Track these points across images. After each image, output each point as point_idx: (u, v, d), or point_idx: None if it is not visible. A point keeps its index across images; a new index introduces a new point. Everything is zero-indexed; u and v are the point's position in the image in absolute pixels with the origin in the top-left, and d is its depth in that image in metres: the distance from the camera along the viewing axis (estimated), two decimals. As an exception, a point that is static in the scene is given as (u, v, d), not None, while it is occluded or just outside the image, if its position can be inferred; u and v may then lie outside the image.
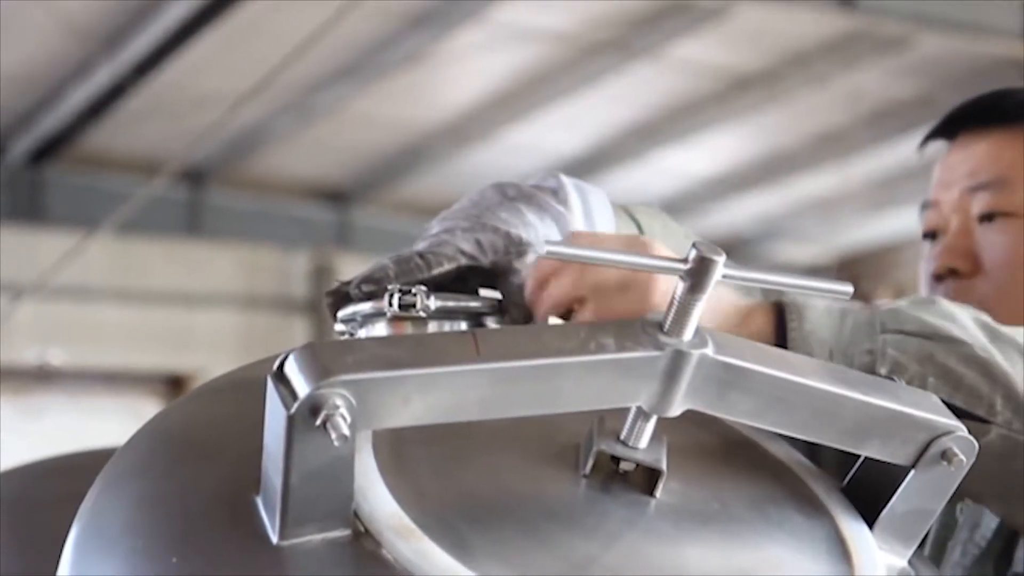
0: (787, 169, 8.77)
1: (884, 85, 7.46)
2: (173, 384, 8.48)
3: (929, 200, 1.71)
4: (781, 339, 1.12)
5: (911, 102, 7.63)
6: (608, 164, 8.57)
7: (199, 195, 8.79)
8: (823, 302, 1.15)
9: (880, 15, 6.52)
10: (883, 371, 1.10)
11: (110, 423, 7.46)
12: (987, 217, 1.65)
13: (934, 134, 1.74)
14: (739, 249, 9.63)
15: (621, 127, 8.12)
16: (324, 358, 0.88)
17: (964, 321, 1.15)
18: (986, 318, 1.18)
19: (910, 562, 1.04)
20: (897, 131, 7.88)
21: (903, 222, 9.68)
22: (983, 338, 1.14)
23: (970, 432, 1.06)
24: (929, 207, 1.71)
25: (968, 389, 1.11)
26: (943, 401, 1.06)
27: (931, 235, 1.70)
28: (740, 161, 8.73)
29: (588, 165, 8.61)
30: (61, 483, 1.77)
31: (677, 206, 9.09)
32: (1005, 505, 1.13)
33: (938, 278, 1.65)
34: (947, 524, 1.55)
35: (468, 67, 7.21)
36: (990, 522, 1.54)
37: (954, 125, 1.71)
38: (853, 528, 1.01)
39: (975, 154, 1.67)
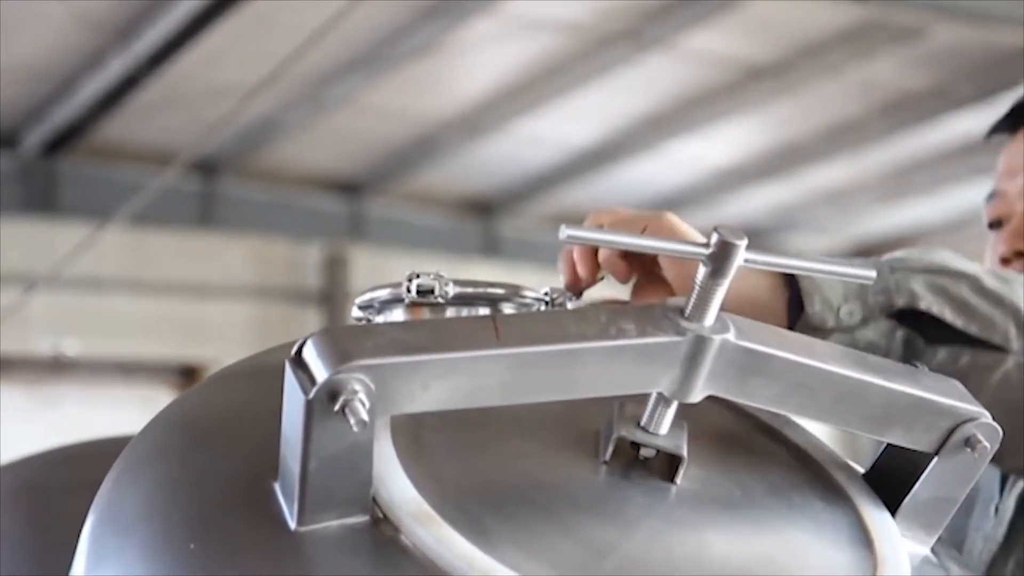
0: (801, 160, 8.74)
1: (898, 75, 7.43)
2: (186, 374, 8.48)
3: (994, 190, 1.73)
4: (795, 288, 1.12)
5: (925, 92, 7.59)
6: (621, 155, 8.55)
7: (212, 186, 8.79)
8: None
9: (894, 5, 6.49)
10: (900, 302, 1.10)
11: (124, 413, 7.46)
12: None
13: (997, 127, 1.76)
14: (753, 240, 9.52)
15: (634, 118, 8.09)
16: (343, 343, 0.88)
17: (965, 261, 1.16)
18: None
19: (933, 550, 1.03)
20: (911, 121, 7.85)
21: (917, 212, 9.66)
22: (989, 275, 1.15)
23: (987, 362, 1.07)
24: (994, 197, 1.73)
25: (983, 318, 1.11)
26: (958, 330, 1.06)
27: (996, 223, 1.72)
28: (754, 152, 8.70)
29: (601, 156, 8.59)
30: (76, 471, 1.77)
31: (690, 197, 9.07)
32: (1021, 445, 1.12)
33: (1005, 261, 1.67)
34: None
35: (481, 58, 7.19)
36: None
37: (1016, 116, 1.74)
38: (875, 515, 1.00)
39: None
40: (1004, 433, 1.07)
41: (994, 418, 1.04)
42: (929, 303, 1.11)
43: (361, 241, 9.19)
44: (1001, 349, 1.11)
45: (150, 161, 7.70)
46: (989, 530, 1.57)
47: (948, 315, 1.11)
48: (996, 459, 1.11)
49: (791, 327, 1.13)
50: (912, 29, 6.82)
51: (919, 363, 1.04)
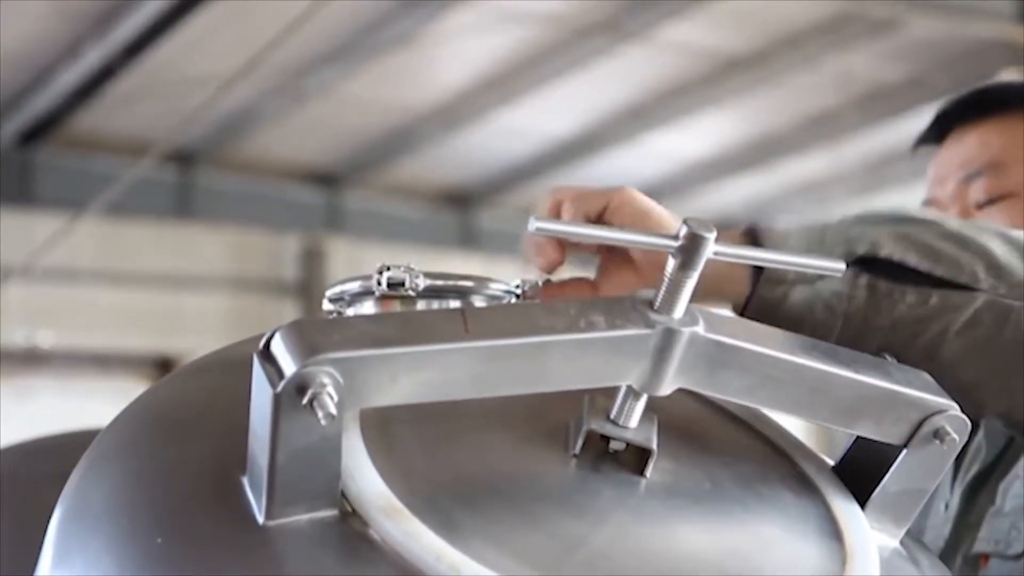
0: (778, 151, 8.75)
1: (875, 67, 7.45)
2: (163, 366, 8.45)
3: (927, 199, 1.74)
4: (756, 242, 1.11)
5: (902, 84, 7.62)
6: (599, 146, 8.56)
7: (189, 177, 8.76)
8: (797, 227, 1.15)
9: (870, -3, 6.51)
10: (861, 250, 1.10)
11: (100, 405, 7.40)
12: (987, 202, 1.68)
13: (924, 138, 1.78)
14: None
15: (612, 109, 8.10)
16: (311, 336, 0.87)
17: (929, 212, 1.16)
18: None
19: (902, 542, 1.04)
20: (888, 113, 7.87)
21: (894, 204, 9.67)
22: (953, 220, 1.15)
23: (957, 300, 1.06)
24: (928, 204, 1.73)
25: (948, 260, 1.10)
26: (925, 273, 1.05)
27: None
28: (731, 143, 8.72)
29: (579, 148, 8.59)
30: (50, 463, 1.76)
31: (668, 189, 9.08)
32: (1000, 387, 1.12)
33: None
34: None
35: (459, 49, 7.18)
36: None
37: (941, 125, 1.77)
38: (845, 507, 1.00)
39: (965, 146, 1.72)
40: (980, 376, 1.06)
41: (968, 360, 1.03)
42: (891, 250, 1.10)
43: (339, 233, 9.17)
44: (970, 288, 1.10)
45: (126, 151, 7.67)
46: (939, 527, 1.57)
47: (912, 259, 1.10)
48: (978, 409, 1.10)
49: (754, 282, 1.12)
50: (888, 21, 6.84)
51: (888, 357, 1.04)
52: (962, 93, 1.78)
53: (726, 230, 1.13)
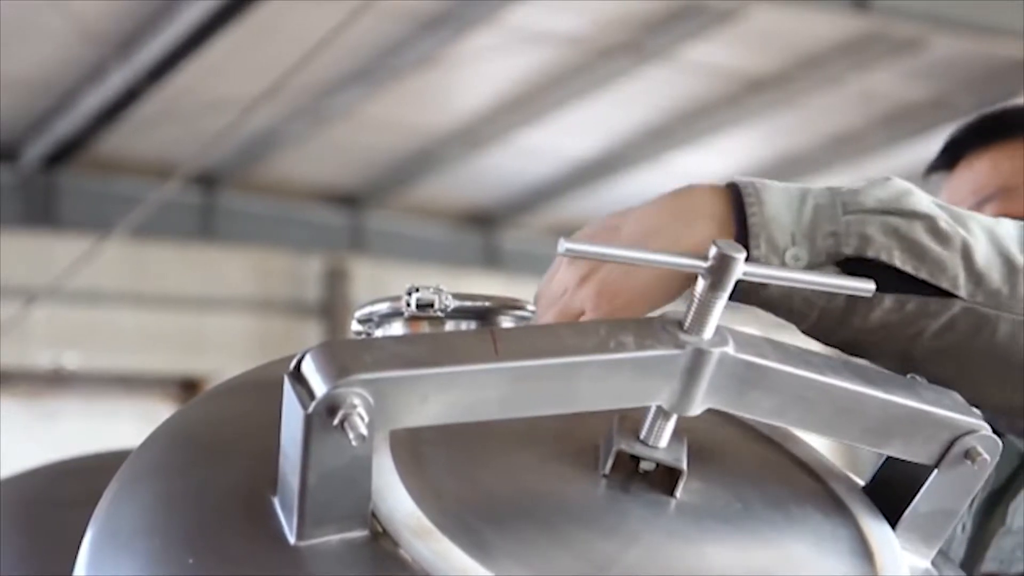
0: (801, 171, 8.75)
1: (898, 87, 7.44)
2: (187, 387, 8.48)
3: None
4: (741, 225, 1.10)
5: (925, 104, 7.60)
6: (621, 167, 8.56)
7: (212, 199, 8.80)
8: (780, 183, 1.14)
9: (894, 16, 6.50)
10: (848, 250, 1.09)
11: (124, 426, 7.46)
12: None
13: (935, 165, 1.78)
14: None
15: (634, 130, 8.10)
16: (342, 357, 0.88)
17: (921, 195, 1.15)
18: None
19: (933, 562, 1.03)
20: (911, 133, 7.86)
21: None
22: (943, 212, 1.13)
23: (934, 308, 1.06)
24: None
25: (933, 261, 1.10)
26: (908, 275, 1.05)
27: None
28: (753, 163, 8.71)
29: (601, 168, 8.59)
30: (77, 485, 1.77)
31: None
32: (971, 393, 1.11)
33: None
34: None
35: (481, 70, 7.20)
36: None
37: (951, 153, 1.77)
38: (876, 528, 1.00)
39: (976, 172, 1.74)
40: (951, 378, 1.06)
41: (940, 362, 1.03)
42: (878, 248, 1.09)
43: (361, 253, 9.19)
44: (949, 294, 1.10)
45: (150, 174, 7.71)
46: (956, 548, 1.57)
47: (897, 260, 1.09)
48: None
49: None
50: (912, 41, 6.83)
51: (918, 377, 1.04)
52: (971, 120, 1.79)
53: (709, 184, 1.13)
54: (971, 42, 6.71)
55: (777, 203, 1.11)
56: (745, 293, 1.09)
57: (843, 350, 1.14)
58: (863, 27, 6.69)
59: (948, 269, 1.10)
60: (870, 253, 1.08)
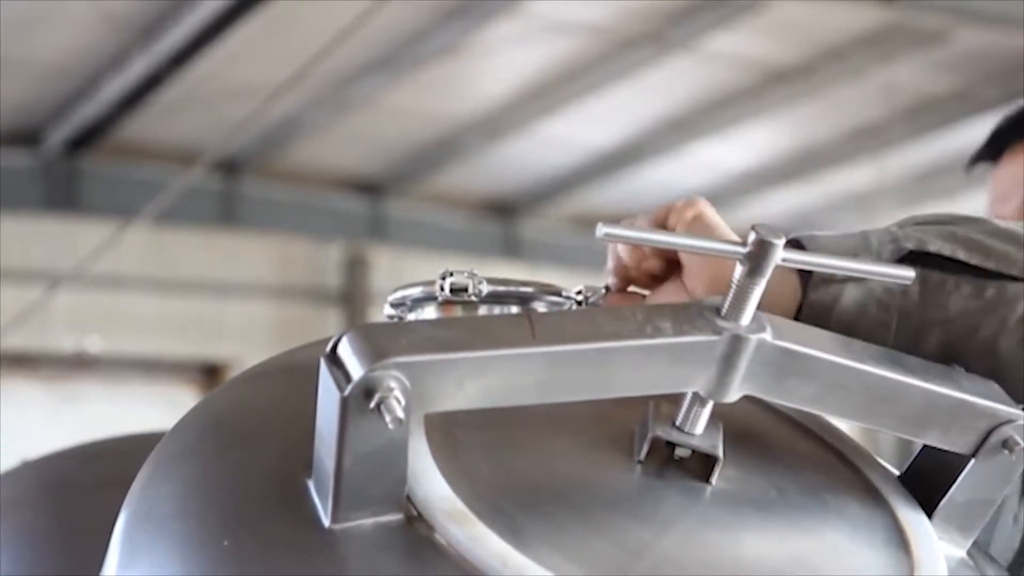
0: (822, 163, 8.72)
1: (921, 79, 7.41)
2: (208, 372, 8.50)
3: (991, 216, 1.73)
4: (802, 247, 1.10)
5: (948, 96, 7.57)
6: (642, 158, 8.54)
7: (234, 186, 8.81)
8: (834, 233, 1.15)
9: (917, 8, 6.47)
10: (910, 246, 1.08)
11: (146, 410, 7.48)
12: None
13: (979, 156, 1.77)
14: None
15: (655, 120, 8.08)
16: (378, 340, 0.87)
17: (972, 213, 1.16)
18: None
19: (969, 552, 1.03)
20: (933, 125, 7.82)
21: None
22: (998, 219, 1.14)
23: (1015, 292, 1.05)
24: None
25: (999, 255, 1.09)
26: (974, 267, 1.04)
27: None
28: (775, 155, 8.68)
29: (622, 158, 8.58)
30: (100, 467, 1.78)
31: (711, 200, 8.97)
32: None
33: None
34: None
35: (502, 59, 7.19)
36: None
37: (996, 144, 1.76)
38: (912, 517, 0.99)
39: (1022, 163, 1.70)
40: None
41: (1019, 376, 1.02)
42: (939, 247, 1.09)
43: (382, 242, 9.19)
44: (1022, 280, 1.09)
45: (172, 160, 7.72)
46: (1008, 539, 1.56)
47: (962, 255, 1.09)
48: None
49: (804, 286, 1.11)
50: (935, 33, 6.80)
51: (956, 366, 1.03)
52: (1015, 111, 1.78)
53: None
54: (995, 34, 6.67)
55: (829, 239, 1.13)
56: (821, 314, 1.08)
57: (936, 358, 1.09)
58: (886, 18, 6.66)
59: (1016, 259, 1.09)
60: (932, 249, 1.08)
